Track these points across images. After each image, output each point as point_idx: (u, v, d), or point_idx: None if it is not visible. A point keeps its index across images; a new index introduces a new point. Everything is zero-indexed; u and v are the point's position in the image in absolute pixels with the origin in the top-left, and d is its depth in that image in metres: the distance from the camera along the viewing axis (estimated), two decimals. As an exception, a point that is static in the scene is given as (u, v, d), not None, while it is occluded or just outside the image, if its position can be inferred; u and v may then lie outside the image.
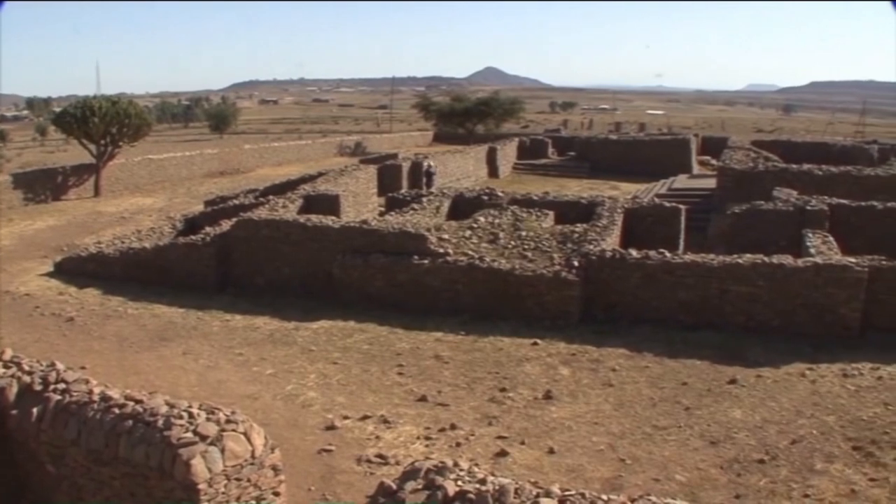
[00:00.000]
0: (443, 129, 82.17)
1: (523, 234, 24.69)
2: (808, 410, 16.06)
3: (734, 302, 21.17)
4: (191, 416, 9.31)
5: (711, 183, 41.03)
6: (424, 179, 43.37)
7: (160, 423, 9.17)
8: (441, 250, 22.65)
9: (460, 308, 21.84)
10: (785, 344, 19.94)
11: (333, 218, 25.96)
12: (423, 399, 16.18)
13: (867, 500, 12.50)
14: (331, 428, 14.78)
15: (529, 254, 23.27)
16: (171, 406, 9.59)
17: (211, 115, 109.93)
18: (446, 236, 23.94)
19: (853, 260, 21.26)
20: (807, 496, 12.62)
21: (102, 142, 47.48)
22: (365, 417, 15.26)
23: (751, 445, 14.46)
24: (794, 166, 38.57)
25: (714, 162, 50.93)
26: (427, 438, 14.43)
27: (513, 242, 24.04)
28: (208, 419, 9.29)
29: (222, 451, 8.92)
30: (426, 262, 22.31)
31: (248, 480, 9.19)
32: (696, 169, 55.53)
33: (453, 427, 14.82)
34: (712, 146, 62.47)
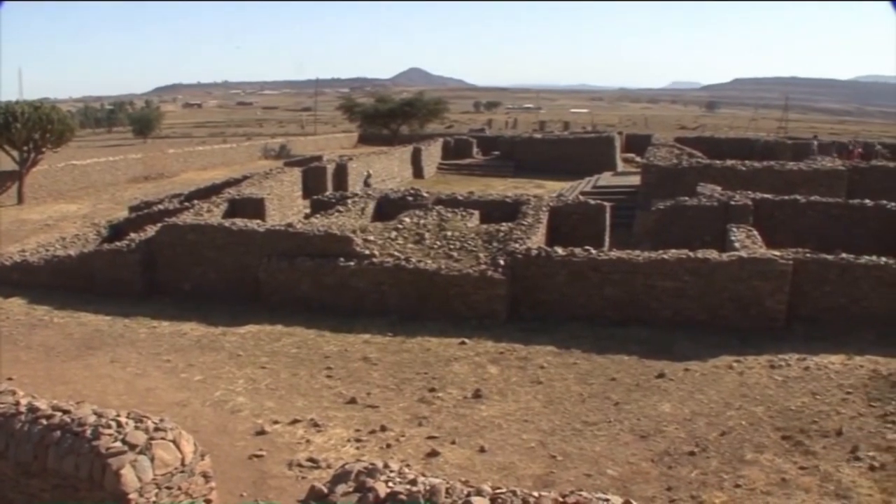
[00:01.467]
0: (367, 131, 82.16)
1: (449, 234, 24.79)
2: (736, 402, 16.34)
3: (661, 297, 21.43)
4: (119, 424, 9.26)
5: (636, 180, 41.43)
6: (363, 187, 43.47)
7: (88, 432, 9.13)
8: (367, 252, 22.66)
9: (387, 309, 21.86)
10: (712, 337, 20.24)
11: (259, 222, 25.89)
12: (352, 401, 16.18)
13: (798, 488, 12.73)
14: (261, 433, 14.73)
15: (455, 254, 23.36)
16: (100, 415, 9.54)
17: (135, 119, 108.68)
18: (372, 238, 23.96)
19: (777, 253, 21.60)
20: (738, 486, 12.83)
21: (25, 148, 46.92)
22: (295, 421, 15.21)
23: (681, 438, 14.68)
24: (718, 162, 39.07)
25: (638, 159, 51.39)
26: (357, 441, 14.43)
27: (438, 243, 24.14)
28: (137, 427, 9.27)
29: (152, 459, 8.90)
30: (352, 264, 22.29)
31: (179, 488, 9.18)
32: (620, 166, 56.09)
33: (384, 428, 14.84)
34: (636, 144, 63.13)
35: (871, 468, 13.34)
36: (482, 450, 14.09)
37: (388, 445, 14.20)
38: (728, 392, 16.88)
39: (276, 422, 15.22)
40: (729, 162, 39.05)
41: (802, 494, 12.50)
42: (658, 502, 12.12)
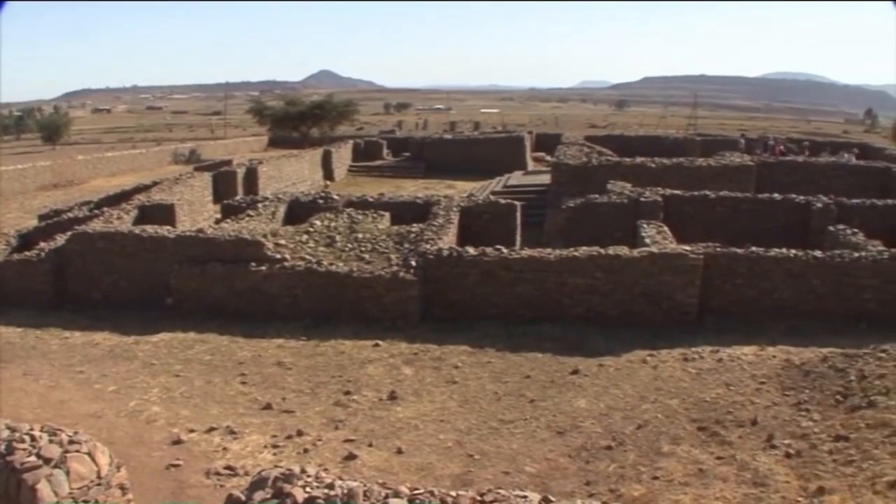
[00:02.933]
0: (277, 134, 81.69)
1: (360, 236, 24.75)
2: (651, 395, 16.49)
3: (573, 294, 21.56)
4: (33, 438, 9.13)
5: (546, 179, 41.53)
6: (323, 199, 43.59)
7: (2, 448, 8.98)
8: (278, 256, 22.53)
9: (300, 313, 21.73)
10: (625, 332, 20.42)
11: (169, 228, 25.61)
12: (268, 407, 16.04)
13: (715, 477, 12.87)
14: (177, 442, 14.51)
15: (367, 256, 23.36)
16: (13, 430, 9.39)
17: (43, 125, 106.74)
18: (283, 242, 23.84)
19: (688, 248, 21.89)
20: (656, 478, 12.93)
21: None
22: (211, 429, 15.03)
23: (597, 433, 14.76)
24: (628, 160, 39.44)
25: (549, 158, 51.60)
26: (274, 447, 14.31)
27: (350, 245, 24.09)
28: (51, 441, 9.14)
29: (67, 473, 8.78)
30: (264, 268, 22.14)
31: (96, 501, 9.08)
32: (530, 165, 56.36)
33: (300, 433, 14.73)
34: (546, 143, 63.48)
35: (787, 455, 13.54)
36: (399, 451, 14.05)
37: (306, 450, 14.10)
38: (643, 386, 17.04)
39: (192, 430, 15.01)
40: (639, 159, 39.42)
41: (720, 484, 12.64)
42: (577, 497, 12.11)
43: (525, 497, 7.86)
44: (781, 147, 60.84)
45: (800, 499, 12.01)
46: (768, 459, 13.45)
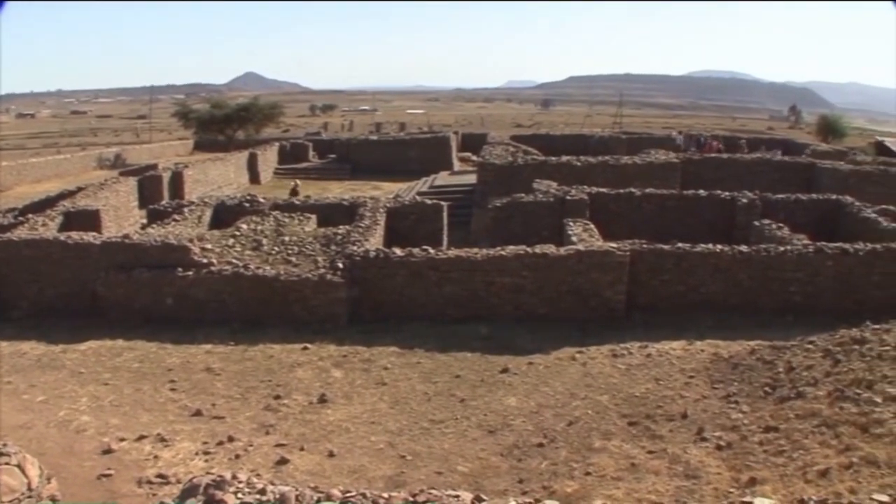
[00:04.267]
0: (203, 137, 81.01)
1: (286, 239, 24.62)
2: (581, 392, 16.58)
3: (500, 293, 21.64)
4: (-39, 453, 9.01)
5: (472, 179, 41.80)
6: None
7: (-72, 462, 8.86)
8: (205, 261, 22.29)
9: (228, 318, 21.49)
10: (554, 330, 20.53)
11: (95, 234, 25.20)
12: (198, 413, 15.85)
13: (647, 471, 12.93)
14: (108, 452, 14.26)
15: (294, 258, 23.23)
16: (-59, 445, 9.26)
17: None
18: (209, 246, 23.63)
19: (614, 245, 22.08)
20: (588, 474, 12.96)
21: None
22: (141, 438, 14.80)
23: (529, 431, 14.80)
24: (554, 158, 39.76)
25: (475, 158, 51.80)
26: (206, 453, 14.14)
27: (276, 248, 23.94)
28: (-22, 454, 9.02)
29: (-4, 485, 8.67)
30: (190, 273, 21.89)
31: (27, 513, 8.96)
32: (457, 166, 56.49)
33: (231, 439, 14.58)
34: (472, 143, 63.73)
35: (718, 447, 13.65)
36: (331, 454, 13.98)
37: (237, 456, 13.98)
38: (572, 383, 17.13)
39: (122, 439, 14.76)
40: (564, 158, 39.80)
41: (652, 478, 12.70)
42: (510, 495, 12.09)
43: (457, 496, 7.85)
44: (718, 144, 61.87)
45: (732, 490, 12.09)
46: (699, 452, 13.55)
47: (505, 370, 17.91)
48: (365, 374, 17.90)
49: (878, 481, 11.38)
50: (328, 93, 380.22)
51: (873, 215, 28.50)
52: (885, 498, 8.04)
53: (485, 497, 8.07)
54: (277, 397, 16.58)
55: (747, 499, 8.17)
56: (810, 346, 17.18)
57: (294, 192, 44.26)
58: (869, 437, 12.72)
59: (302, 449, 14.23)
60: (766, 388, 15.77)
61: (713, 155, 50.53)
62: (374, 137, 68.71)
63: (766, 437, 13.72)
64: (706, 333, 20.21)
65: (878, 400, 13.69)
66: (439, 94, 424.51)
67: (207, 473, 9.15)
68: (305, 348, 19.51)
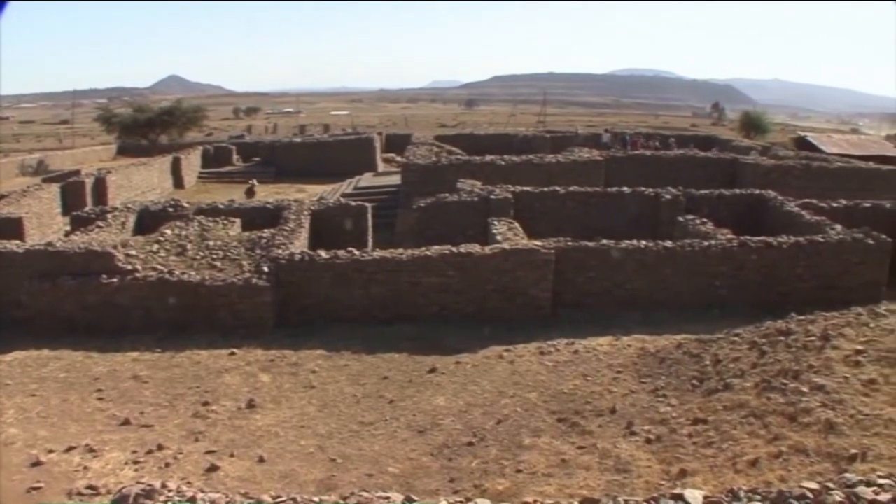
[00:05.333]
0: (126, 142, 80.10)
1: (211, 243, 24.42)
2: (510, 390, 16.62)
3: (427, 293, 21.68)
4: None
5: (397, 179, 41.73)
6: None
7: None
8: (129, 267, 22.01)
9: (154, 325, 21.19)
10: (481, 329, 20.63)
11: (18, 242, 24.74)
12: (126, 423, 15.59)
13: (578, 467, 13.00)
14: (37, 464, 13.99)
15: (219, 263, 23.06)
16: None
17: None
18: (134, 252, 23.32)
19: (539, 243, 22.20)
20: (519, 471, 13.00)
21: None
22: (70, 449, 14.53)
23: (458, 430, 14.82)
24: (478, 158, 39.86)
25: (399, 158, 51.81)
26: (135, 462, 13.92)
27: (201, 253, 23.74)
28: None
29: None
30: (115, 280, 21.59)
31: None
32: (381, 166, 56.49)
33: (160, 447, 14.36)
34: (397, 143, 63.75)
35: (648, 441, 13.76)
36: (261, 460, 13.86)
37: (167, 464, 13.79)
38: (501, 381, 17.17)
39: (51, 451, 14.48)
40: (488, 157, 39.93)
41: (583, 473, 12.76)
42: (442, 495, 12.11)
43: (388, 498, 7.84)
44: (654, 143, 62.56)
45: (662, 482, 12.18)
46: (629, 446, 13.64)
47: (433, 370, 17.93)
48: (293, 377, 17.78)
49: (808, 469, 11.53)
50: (252, 95, 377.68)
51: (796, 209, 28.85)
52: (814, 485, 8.11)
53: (416, 498, 8.07)
54: (206, 404, 16.39)
55: (678, 491, 8.18)
56: (736, 338, 17.36)
57: (251, 192, 44.01)
58: (797, 426, 12.88)
59: (232, 455, 14.08)
60: (694, 381, 15.93)
61: (637, 152, 50.95)
62: (299, 139, 68.42)
63: (695, 429, 13.85)
64: (632, 329, 20.38)
65: (805, 389, 13.85)
66: (363, 95, 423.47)
67: (137, 483, 9.03)
68: (233, 353, 19.32)
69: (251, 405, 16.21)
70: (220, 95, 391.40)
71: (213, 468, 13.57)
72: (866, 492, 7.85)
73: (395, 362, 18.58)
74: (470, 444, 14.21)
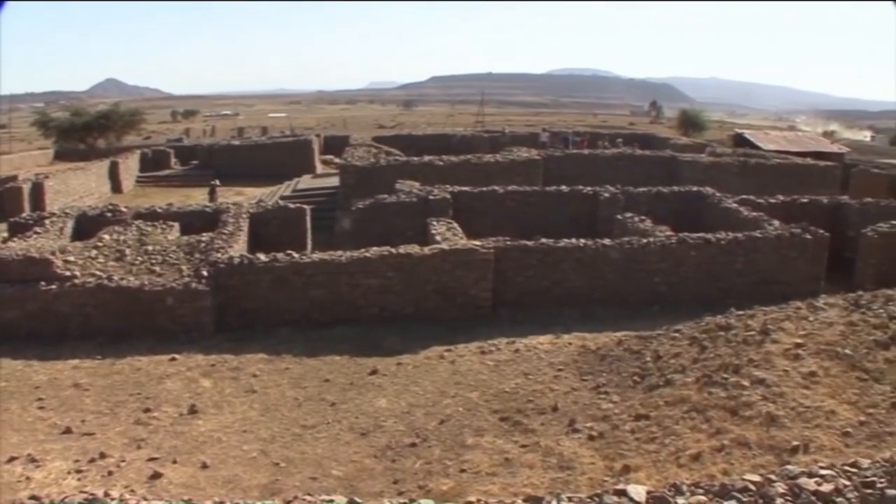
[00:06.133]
0: (64, 146, 79.22)
1: (150, 248, 24.18)
2: (451, 390, 16.69)
3: (367, 295, 21.74)
4: None
5: (335, 181, 41.77)
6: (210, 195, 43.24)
7: None
8: (68, 273, 21.76)
9: (94, 331, 20.95)
10: (421, 329, 20.68)
11: (-46, 250, 24.64)
12: (68, 431, 15.37)
13: (522, 465, 13.06)
14: (-23, 475, 13.98)
15: (158, 268, 22.82)
16: None
17: None
18: (72, 258, 23.06)
19: (478, 243, 22.28)
20: (463, 471, 13.04)
21: None
22: (11, 459, 14.27)
23: (401, 431, 14.82)
24: (416, 159, 39.95)
25: (337, 160, 51.66)
26: (78, 472, 13.71)
27: (140, 258, 23.50)
28: None
29: None
30: (54, 287, 21.33)
31: None
32: (319, 168, 56.32)
33: (103, 456, 14.17)
34: (335, 145, 63.59)
35: (590, 438, 13.85)
36: (205, 465, 13.74)
37: (110, 473, 13.62)
38: (442, 381, 17.24)
39: (-8, 462, 14.44)
40: (427, 158, 40.06)
41: (527, 471, 12.82)
42: (386, 496, 12.11)
43: (332, 501, 7.82)
44: (586, 139, 63.04)
45: (606, 479, 12.24)
46: (572, 443, 13.71)
47: (374, 372, 17.94)
48: (234, 382, 17.68)
49: (750, 462, 11.65)
50: (190, 98, 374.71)
51: (734, 205, 29.18)
52: (756, 478, 8.18)
53: (360, 500, 8.04)
54: (147, 410, 16.22)
55: (621, 486, 8.22)
56: (677, 334, 17.50)
57: (213, 193, 43.73)
58: (739, 420, 13.01)
59: (175, 462, 13.95)
60: (635, 378, 16.04)
61: (575, 151, 51.20)
62: (237, 142, 68.03)
63: (638, 425, 13.95)
64: (573, 327, 20.54)
65: (746, 383, 13.99)
66: (302, 97, 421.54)
67: (80, 493, 8.96)
68: (173, 359, 19.14)
69: (193, 411, 16.07)
70: (158, 98, 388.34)
71: (156, 475, 13.41)
72: (808, 483, 7.92)
73: (336, 365, 18.54)
74: (413, 444, 14.21)
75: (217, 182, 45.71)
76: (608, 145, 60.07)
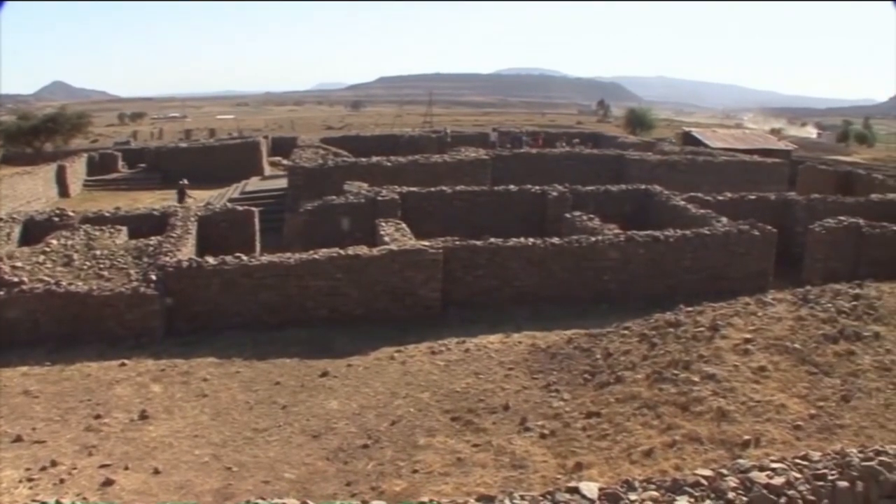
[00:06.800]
0: (10, 150, 78.50)
1: (98, 253, 23.97)
2: (402, 391, 16.69)
3: (316, 297, 21.66)
4: None
5: (283, 183, 41.62)
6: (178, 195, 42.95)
7: None
8: (15, 279, 21.58)
9: (43, 337, 20.68)
10: (371, 331, 20.68)
11: None
12: (18, 439, 15.17)
13: (474, 464, 13.12)
14: (-72, 485, 13.82)
15: (106, 273, 22.65)
16: None
17: None
18: (20, 264, 22.86)
19: (427, 243, 22.32)
20: (416, 472, 13.09)
21: None
22: (-39, 469, 14.34)
23: (352, 433, 14.83)
24: (364, 160, 39.89)
25: (285, 162, 51.51)
26: (30, 480, 13.57)
27: (88, 263, 23.30)
28: None
29: None
30: (2, 293, 21.10)
31: None
32: (268, 170, 56.15)
33: (54, 463, 14.02)
34: (283, 146, 63.32)
35: (542, 436, 13.93)
36: (156, 471, 13.65)
37: (62, 480, 13.50)
38: (393, 382, 17.24)
39: (-58, 471, 14.28)
40: (375, 159, 40.00)
41: (480, 470, 12.87)
42: (339, 498, 12.15)
43: (285, 504, 7.80)
44: (542, 138, 63.39)
45: (559, 477, 12.30)
46: (524, 442, 13.77)
47: (325, 374, 17.90)
48: (185, 386, 17.56)
49: (702, 457, 11.77)
50: (137, 100, 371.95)
51: (682, 203, 29.39)
52: (708, 472, 8.26)
53: (313, 502, 8.03)
54: (98, 417, 16.07)
55: (573, 484, 8.26)
56: (626, 331, 17.63)
57: (182, 193, 43.43)
58: (690, 416, 13.13)
59: (126, 468, 13.84)
60: (586, 375, 16.13)
61: (524, 150, 51.36)
62: (184, 145, 67.70)
63: (589, 422, 14.04)
64: (523, 326, 20.61)
65: (696, 379, 14.12)
66: (249, 99, 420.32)
67: (32, 501, 8.90)
68: (123, 364, 18.97)
69: (144, 416, 15.95)
70: (106, 101, 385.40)
71: (108, 482, 13.33)
72: (760, 476, 8.01)
73: (286, 367, 18.49)
74: (365, 446, 14.23)
75: (185, 181, 45.41)
76: (565, 145, 60.25)
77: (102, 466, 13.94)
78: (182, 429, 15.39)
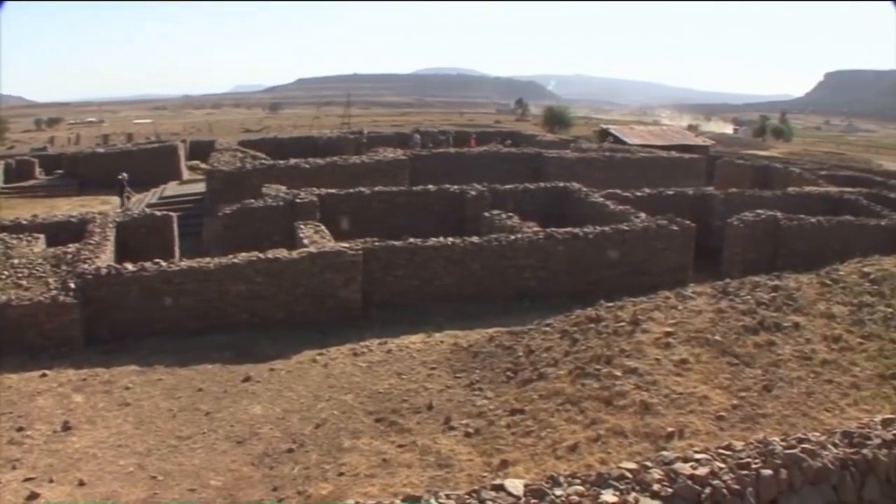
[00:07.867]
0: (-73, 160, 77.57)
1: (16, 261, 23.54)
2: (325, 394, 16.67)
3: (236, 301, 21.60)
4: None
5: (202, 187, 41.31)
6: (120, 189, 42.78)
7: None
8: (-70, 291, 21.34)
9: (-39, 350, 20.58)
10: (293, 334, 20.65)
11: None
12: (-61, 455, 15.12)
13: (400, 465, 13.14)
14: None
15: (24, 282, 22.26)
16: None
17: None
18: (-65, 274, 22.60)
19: (346, 245, 22.38)
20: (342, 474, 13.08)
21: None
22: None
23: (277, 437, 14.79)
24: (282, 162, 39.79)
25: (203, 165, 51.15)
26: (-47, 496, 13.55)
27: (6, 272, 22.89)
28: None
29: None
30: (-85, 306, 20.93)
31: None
32: (186, 174, 55.67)
33: (-24, 479, 13.98)
34: (201, 150, 62.79)
35: (467, 435, 13.97)
36: (81, 483, 13.49)
37: (-15, 495, 13.42)
38: (316, 385, 17.23)
39: None
40: (293, 161, 39.91)
41: (406, 471, 12.89)
42: (266, 504, 12.13)
43: (212, 511, 7.77)
44: (475, 137, 63.72)
45: (485, 475, 12.34)
46: (449, 441, 13.81)
47: (247, 379, 17.83)
48: (107, 396, 17.34)
49: (627, 450, 11.88)
50: (54, 105, 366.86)
51: (601, 199, 29.64)
52: (633, 465, 8.32)
53: (237, 508, 8.00)
54: (20, 429, 15.80)
55: (499, 481, 8.28)
56: (548, 328, 17.72)
57: (122, 189, 42.85)
58: (613, 410, 13.26)
59: (51, 481, 13.66)
60: (509, 373, 16.20)
61: (441, 150, 51.50)
62: (102, 150, 66.89)
63: (513, 419, 14.10)
64: (444, 325, 20.66)
65: (618, 373, 14.25)
66: (167, 102, 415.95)
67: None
68: (44, 375, 18.66)
69: (67, 427, 15.72)
70: (22, 106, 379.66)
71: (32, 496, 13.13)
72: (684, 467, 8.09)
73: (209, 373, 18.36)
74: (290, 450, 14.20)
75: (125, 175, 44.86)
76: (501, 146, 60.47)
77: (27, 480, 13.72)
78: (106, 439, 15.21)
